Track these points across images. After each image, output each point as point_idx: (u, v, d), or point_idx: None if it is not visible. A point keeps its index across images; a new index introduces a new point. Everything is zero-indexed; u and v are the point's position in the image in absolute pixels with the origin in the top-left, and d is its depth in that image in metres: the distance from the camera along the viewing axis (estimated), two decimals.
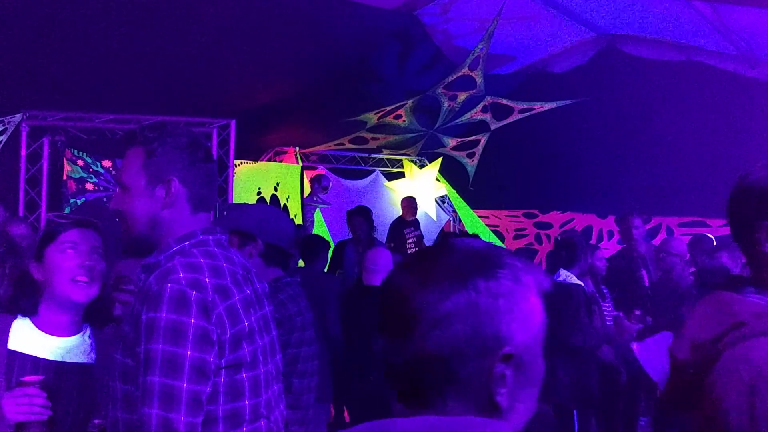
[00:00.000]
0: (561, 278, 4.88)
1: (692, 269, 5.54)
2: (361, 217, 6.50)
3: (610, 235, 9.79)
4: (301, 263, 5.15)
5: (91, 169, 6.79)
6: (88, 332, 2.04)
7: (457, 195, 10.76)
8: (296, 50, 7.32)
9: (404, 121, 9.33)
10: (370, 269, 4.32)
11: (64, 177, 6.71)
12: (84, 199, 6.74)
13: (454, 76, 8.29)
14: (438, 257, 0.93)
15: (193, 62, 6.89)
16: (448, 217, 10.89)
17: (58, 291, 1.94)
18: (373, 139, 9.91)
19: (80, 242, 1.96)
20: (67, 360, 1.94)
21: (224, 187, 7.44)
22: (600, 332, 4.64)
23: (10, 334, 1.92)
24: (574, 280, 4.87)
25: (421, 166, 10.69)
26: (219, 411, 1.60)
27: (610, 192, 9.27)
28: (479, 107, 9.13)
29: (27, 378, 1.81)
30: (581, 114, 8.60)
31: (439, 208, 10.78)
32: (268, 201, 8.95)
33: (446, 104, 8.96)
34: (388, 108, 8.90)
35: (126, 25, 6.28)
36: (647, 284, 5.61)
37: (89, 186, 6.77)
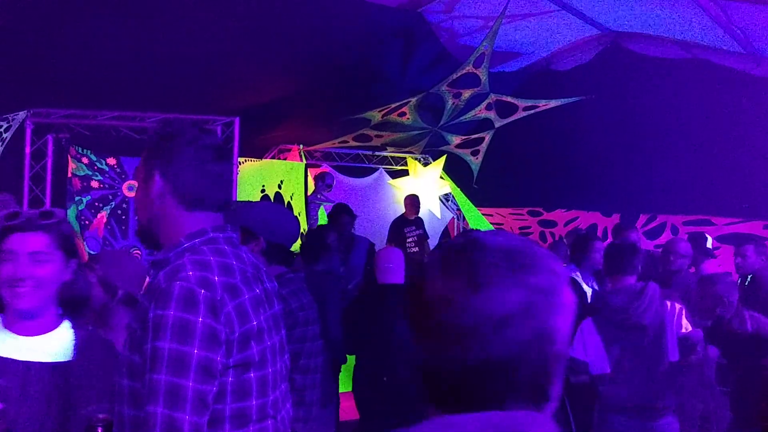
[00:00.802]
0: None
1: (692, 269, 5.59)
2: (347, 215, 6.68)
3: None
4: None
5: (95, 167, 6.79)
6: (65, 328, 1.98)
7: (462, 193, 10.75)
8: (300, 47, 7.32)
9: (408, 118, 9.31)
10: (386, 268, 4.29)
11: (69, 174, 6.71)
12: (89, 197, 6.75)
13: (459, 74, 8.28)
14: (473, 256, 0.90)
15: (198, 59, 6.89)
16: (452, 215, 10.88)
17: (5, 298, 1.88)
18: (377, 136, 9.90)
19: (18, 250, 1.86)
20: (36, 360, 1.87)
21: None
22: None
23: None
24: (579, 279, 4.87)
25: (425, 164, 10.68)
26: (226, 410, 1.59)
27: (614, 190, 9.25)
28: (483, 105, 9.11)
29: None
30: (586, 112, 8.58)
31: (443, 206, 10.78)
32: (272, 199, 8.96)
33: (450, 102, 8.94)
34: (393, 105, 8.89)
35: (130, 23, 6.29)
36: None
37: (94, 183, 6.77)
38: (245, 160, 8.88)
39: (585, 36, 8.52)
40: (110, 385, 1.71)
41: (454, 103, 8.98)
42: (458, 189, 10.73)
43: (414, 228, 8.52)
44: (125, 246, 6.75)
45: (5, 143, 6.66)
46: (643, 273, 4.75)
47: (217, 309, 1.56)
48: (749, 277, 5.53)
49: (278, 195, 9.12)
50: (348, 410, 5.49)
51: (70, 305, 1.99)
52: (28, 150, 6.70)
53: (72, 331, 1.98)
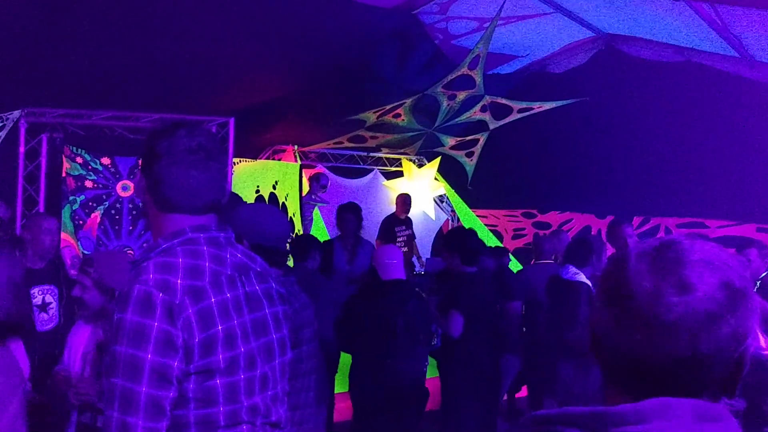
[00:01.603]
0: (570, 274, 4.88)
1: None
2: (352, 214, 6.53)
3: None
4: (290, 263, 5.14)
5: (90, 167, 6.78)
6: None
7: (456, 194, 10.77)
8: (295, 48, 7.31)
9: (403, 120, 9.32)
10: (389, 263, 4.32)
11: (63, 174, 6.70)
12: (83, 196, 6.74)
13: (454, 76, 8.29)
14: (682, 257, 0.97)
15: (193, 59, 6.88)
16: (446, 217, 10.90)
17: None
18: (372, 138, 9.91)
19: None
20: None
21: None
22: None
23: None
24: (582, 278, 4.86)
25: (420, 166, 10.69)
26: (190, 416, 1.58)
27: (608, 192, 9.28)
28: (478, 107, 9.13)
29: None
30: (580, 114, 8.60)
31: (438, 208, 10.79)
32: (266, 199, 8.96)
33: (445, 103, 8.96)
34: (388, 107, 8.90)
35: (125, 22, 6.28)
36: None
37: (88, 183, 6.76)
38: (240, 161, 8.88)
39: (580, 39, 8.54)
40: None
41: (448, 105, 8.99)
42: (453, 190, 10.75)
43: (404, 228, 8.51)
44: (119, 246, 6.75)
45: None
46: None
47: (174, 313, 1.54)
48: (758, 282, 5.40)
49: (273, 196, 9.12)
50: (343, 411, 5.50)
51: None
52: (22, 149, 6.68)
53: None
